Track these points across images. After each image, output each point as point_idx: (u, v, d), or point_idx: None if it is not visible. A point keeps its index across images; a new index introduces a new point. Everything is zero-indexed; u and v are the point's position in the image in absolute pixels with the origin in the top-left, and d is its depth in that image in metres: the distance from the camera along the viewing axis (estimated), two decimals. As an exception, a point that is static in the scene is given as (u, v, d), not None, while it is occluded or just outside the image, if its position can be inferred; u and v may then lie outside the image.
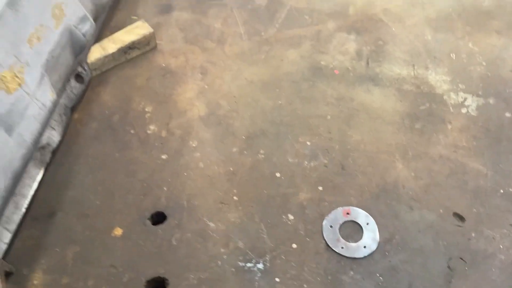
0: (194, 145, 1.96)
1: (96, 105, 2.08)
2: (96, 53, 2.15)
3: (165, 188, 1.82)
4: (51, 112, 1.69)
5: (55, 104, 1.71)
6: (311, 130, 2.00)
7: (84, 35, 1.92)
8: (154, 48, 2.31)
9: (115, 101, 2.10)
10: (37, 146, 1.62)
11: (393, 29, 2.40)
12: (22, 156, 1.51)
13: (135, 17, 2.45)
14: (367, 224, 1.72)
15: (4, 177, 1.43)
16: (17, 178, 1.50)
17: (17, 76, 1.53)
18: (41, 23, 1.69)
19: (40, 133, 1.62)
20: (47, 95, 1.67)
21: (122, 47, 2.18)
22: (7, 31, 1.50)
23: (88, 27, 1.95)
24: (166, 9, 2.51)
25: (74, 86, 1.98)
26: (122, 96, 2.12)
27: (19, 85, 1.53)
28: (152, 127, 2.01)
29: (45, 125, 1.66)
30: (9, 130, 1.46)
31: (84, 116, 2.04)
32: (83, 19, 1.92)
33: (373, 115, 2.05)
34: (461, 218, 1.74)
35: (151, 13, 2.49)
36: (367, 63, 2.25)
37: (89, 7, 2.04)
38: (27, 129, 1.54)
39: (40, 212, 1.74)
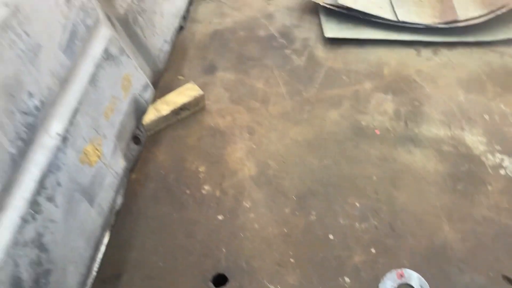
0: (247, 205, 2.05)
1: (152, 165, 2.18)
2: (150, 114, 2.27)
3: (223, 249, 1.90)
4: (122, 179, 1.78)
5: (125, 170, 1.81)
6: (359, 191, 2.10)
7: (146, 101, 2.03)
8: (203, 108, 2.43)
9: (169, 161, 2.21)
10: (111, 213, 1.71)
11: (427, 89, 2.54)
12: (101, 225, 1.60)
13: (181, 77, 2.60)
14: (421, 287, 1.79)
15: (89, 247, 1.51)
16: (98, 246, 1.59)
17: (96, 149, 1.63)
18: (113, 95, 1.80)
19: (114, 201, 1.71)
20: (119, 163, 1.77)
21: (174, 108, 2.31)
22: (90, 107, 1.61)
23: (149, 93, 2.07)
24: (211, 70, 2.66)
25: (133, 148, 2.08)
26: (176, 156, 2.23)
27: (99, 157, 1.63)
28: (206, 187, 2.11)
29: (118, 192, 1.75)
30: (91, 201, 1.56)
31: (141, 177, 2.14)
32: (145, 87, 2.04)
33: (416, 176, 2.15)
34: (510, 281, 1.81)
35: (196, 73, 2.63)
36: (406, 123, 2.37)
37: (148, 74, 2.17)
38: (105, 199, 1.64)
39: (107, 274, 1.81)
